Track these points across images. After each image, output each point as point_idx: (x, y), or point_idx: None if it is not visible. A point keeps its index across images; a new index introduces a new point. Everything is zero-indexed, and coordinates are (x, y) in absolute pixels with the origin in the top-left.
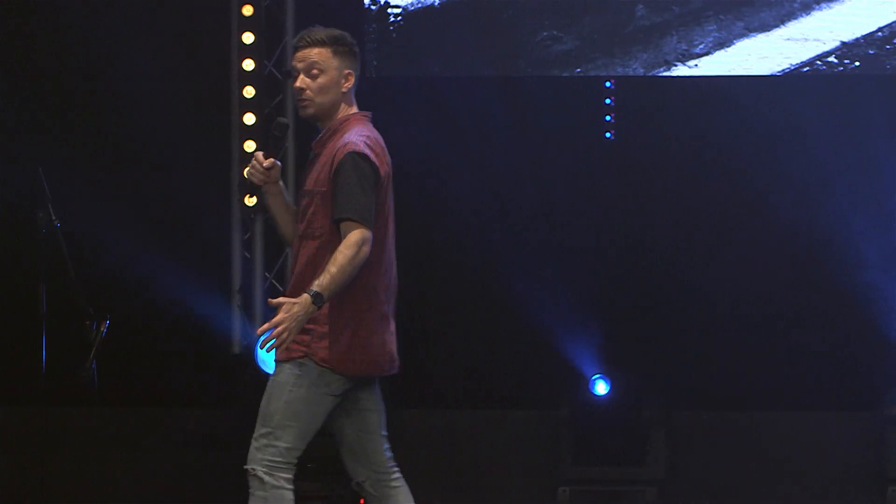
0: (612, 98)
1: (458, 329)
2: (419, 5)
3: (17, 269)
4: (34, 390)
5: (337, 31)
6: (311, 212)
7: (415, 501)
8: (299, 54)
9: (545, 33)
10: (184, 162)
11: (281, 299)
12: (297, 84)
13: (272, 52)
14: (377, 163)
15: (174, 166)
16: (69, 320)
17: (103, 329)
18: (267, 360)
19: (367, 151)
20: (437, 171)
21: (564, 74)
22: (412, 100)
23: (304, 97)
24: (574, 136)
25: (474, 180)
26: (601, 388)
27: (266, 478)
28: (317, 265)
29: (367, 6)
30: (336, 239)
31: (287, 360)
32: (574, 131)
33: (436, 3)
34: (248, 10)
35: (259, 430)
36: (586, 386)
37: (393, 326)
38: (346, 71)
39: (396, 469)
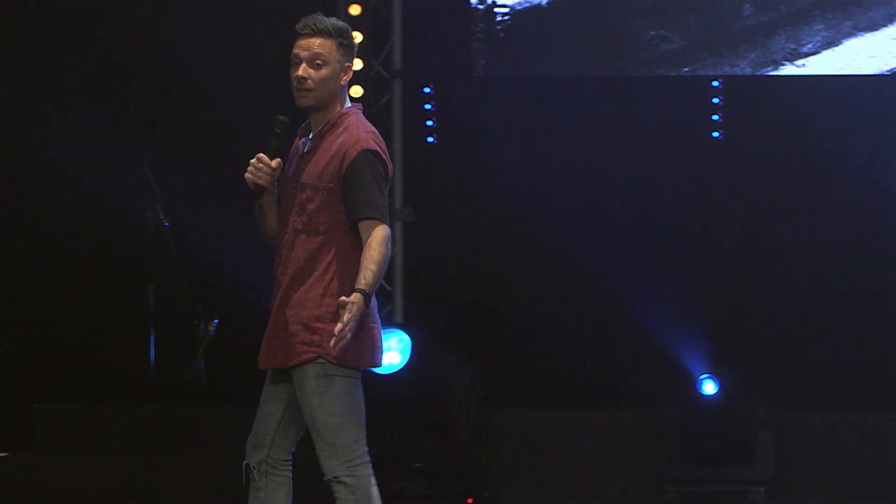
0: (720, 97)
1: (565, 328)
2: (526, 5)
3: (126, 268)
4: (143, 389)
5: (342, 23)
6: (312, 206)
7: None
8: (303, 42)
9: (652, 32)
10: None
11: (344, 299)
12: (300, 73)
13: (379, 51)
14: (386, 159)
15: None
16: (178, 319)
17: (211, 328)
18: None
19: (377, 148)
20: (542, 170)
21: (671, 74)
22: (518, 99)
23: (305, 87)
24: (680, 135)
25: (580, 180)
26: (709, 387)
27: (349, 480)
28: (319, 261)
29: (473, 6)
30: (341, 235)
31: (298, 365)
32: (680, 131)
33: (543, 3)
34: (355, 10)
35: (319, 441)
36: (694, 385)
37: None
38: (347, 64)
39: (289, 467)
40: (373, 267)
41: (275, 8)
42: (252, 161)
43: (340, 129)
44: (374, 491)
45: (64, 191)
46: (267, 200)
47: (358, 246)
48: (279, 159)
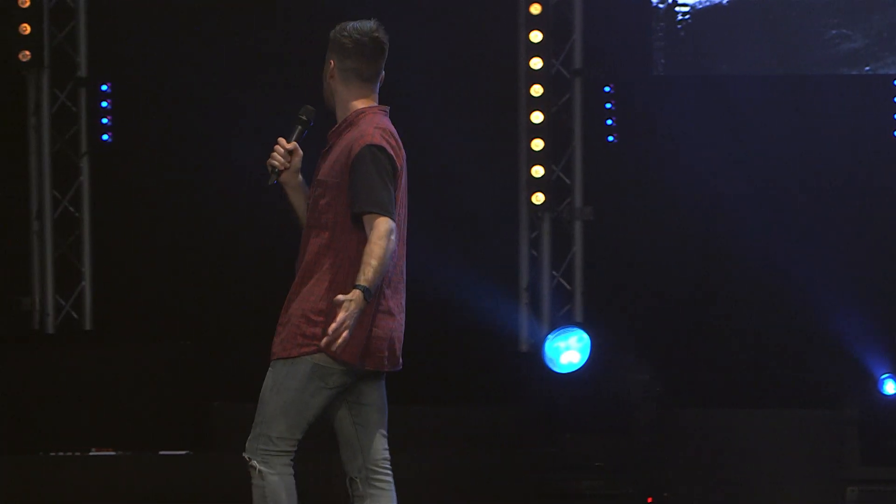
0: None
1: (745, 327)
2: (707, 4)
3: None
4: None
5: (340, 24)
6: (323, 202)
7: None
8: None
9: (833, 31)
10: (471, 160)
11: (340, 297)
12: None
13: (560, 50)
14: (393, 154)
15: (461, 165)
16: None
17: None
18: (554, 358)
19: (384, 143)
20: (722, 169)
21: (853, 73)
22: (699, 98)
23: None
24: (861, 134)
25: (760, 179)
26: (890, 387)
27: (261, 467)
28: (326, 255)
29: (654, 5)
30: (348, 230)
31: (297, 357)
32: (861, 130)
33: (723, 1)
34: (535, 9)
35: (255, 418)
36: (875, 385)
37: (399, 321)
38: (332, 62)
39: (389, 471)
40: (373, 262)
41: (459, 7)
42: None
43: (354, 127)
44: (286, 480)
45: (251, 188)
46: (291, 197)
47: (365, 241)
48: (296, 144)
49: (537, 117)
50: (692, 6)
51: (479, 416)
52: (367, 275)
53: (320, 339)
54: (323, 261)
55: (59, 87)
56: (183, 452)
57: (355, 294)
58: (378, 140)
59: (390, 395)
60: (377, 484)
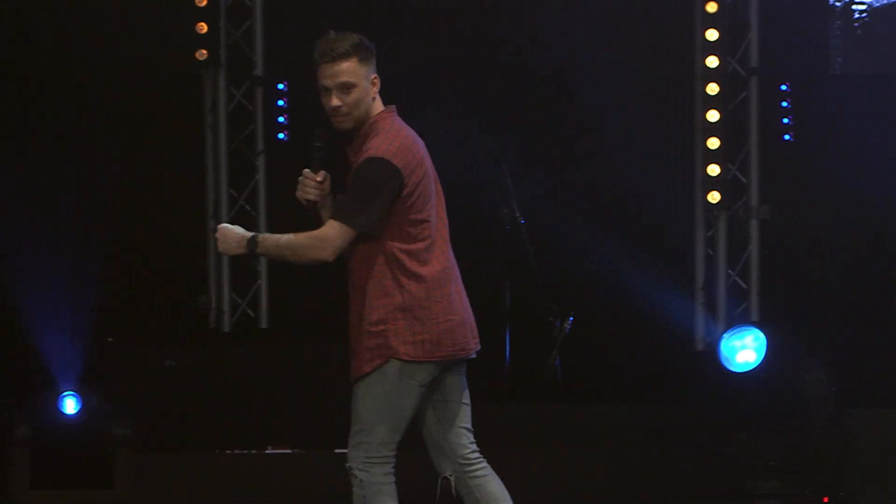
0: None
1: None
2: (884, 2)
3: (482, 265)
4: (498, 386)
5: (356, 37)
6: None
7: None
8: (327, 71)
9: None
10: (646, 159)
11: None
12: (333, 104)
13: (736, 48)
14: (400, 167)
15: (637, 163)
16: (533, 317)
17: (567, 326)
18: (730, 357)
19: (391, 156)
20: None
21: None
22: (876, 97)
23: (341, 114)
24: None
25: None
26: None
27: (362, 475)
28: (370, 267)
29: (831, 3)
30: (385, 238)
31: (372, 371)
32: None
33: None
34: (711, 7)
35: (352, 428)
36: None
37: (462, 306)
38: (373, 76)
39: (482, 461)
40: (282, 241)
41: (635, 7)
42: (300, 178)
43: (368, 140)
44: (387, 489)
45: None
46: (324, 215)
47: (405, 249)
48: (324, 172)
49: (713, 116)
50: (869, 4)
51: (655, 414)
52: (271, 240)
53: (387, 347)
54: (369, 273)
55: (235, 86)
56: None
57: (241, 235)
58: (381, 153)
59: (570, 394)
60: (476, 474)
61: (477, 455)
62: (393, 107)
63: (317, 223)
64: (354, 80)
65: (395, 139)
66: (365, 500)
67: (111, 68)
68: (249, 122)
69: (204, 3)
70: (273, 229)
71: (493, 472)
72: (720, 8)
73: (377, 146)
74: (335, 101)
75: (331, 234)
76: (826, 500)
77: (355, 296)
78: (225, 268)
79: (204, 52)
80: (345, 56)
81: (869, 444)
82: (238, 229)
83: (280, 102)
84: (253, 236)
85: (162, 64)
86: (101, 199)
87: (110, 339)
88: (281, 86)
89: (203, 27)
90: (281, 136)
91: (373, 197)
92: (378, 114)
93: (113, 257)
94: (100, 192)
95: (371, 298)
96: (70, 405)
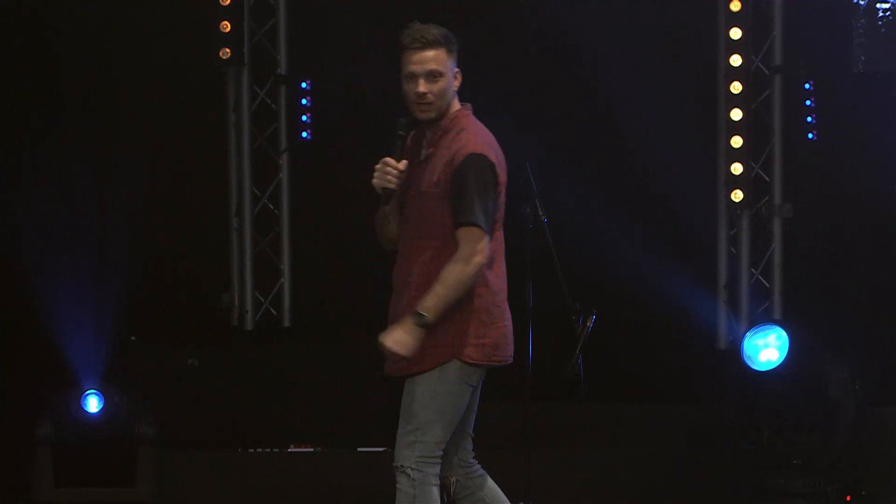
0: None
1: None
2: None
3: (506, 264)
4: (520, 385)
5: (444, 29)
6: (429, 213)
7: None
8: (415, 56)
9: None
10: (670, 157)
11: (388, 338)
12: (420, 89)
13: (759, 47)
14: (496, 164)
15: (660, 161)
16: (556, 315)
17: (589, 324)
18: (753, 356)
19: (489, 153)
20: None
21: None
22: None
23: (425, 101)
24: None
25: None
26: None
27: (415, 474)
28: (437, 264)
29: (855, 1)
30: (453, 241)
31: (434, 367)
32: None
33: None
34: (735, 6)
35: (403, 427)
36: None
37: (509, 313)
38: (456, 70)
39: (477, 462)
40: (441, 290)
41: (659, 5)
42: (378, 166)
43: (453, 133)
44: (436, 491)
45: None
46: (392, 206)
47: None
48: (406, 161)
49: (737, 114)
50: (893, 2)
51: (678, 413)
52: (429, 302)
53: (451, 346)
54: (435, 270)
55: (258, 85)
56: (381, 449)
57: (409, 327)
58: (481, 149)
59: (592, 393)
60: (474, 476)
61: (474, 459)
62: (469, 105)
63: (387, 210)
64: (442, 70)
65: (486, 136)
66: (415, 500)
67: (135, 67)
68: (273, 120)
69: (227, 1)
70: (296, 228)
71: (487, 474)
72: (743, 6)
73: (473, 141)
74: (422, 87)
75: (472, 247)
76: (848, 498)
77: (414, 292)
78: (248, 266)
79: (227, 50)
80: (434, 44)
81: (893, 443)
82: (397, 330)
83: (304, 101)
84: (417, 317)
85: (185, 62)
86: (124, 197)
87: (133, 338)
88: (304, 84)
89: (227, 25)
90: (304, 134)
91: (486, 193)
92: (458, 109)
93: (136, 255)
94: (123, 190)
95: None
96: (93, 403)
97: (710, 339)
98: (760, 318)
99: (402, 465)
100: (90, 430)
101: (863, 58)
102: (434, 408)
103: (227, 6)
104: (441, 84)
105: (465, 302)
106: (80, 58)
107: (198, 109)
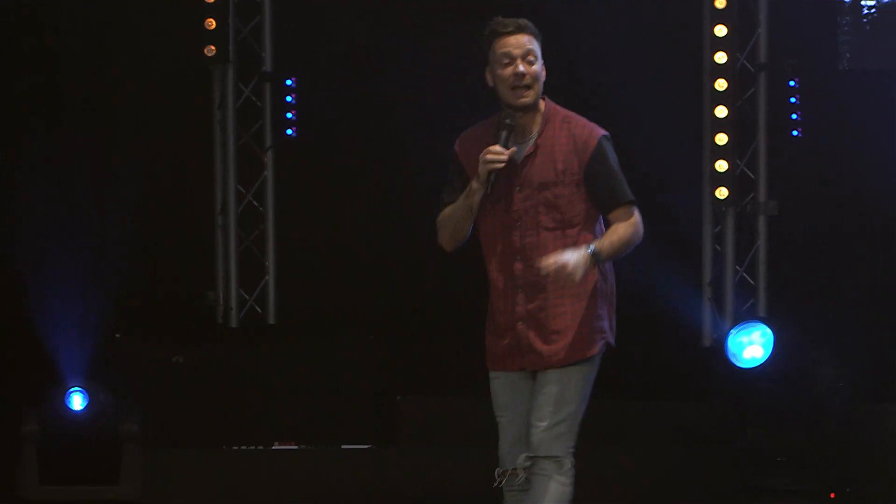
0: None
1: None
2: None
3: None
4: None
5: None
6: (564, 202)
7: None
8: (512, 40)
9: None
10: (655, 154)
11: (558, 258)
12: (520, 69)
13: (745, 44)
14: None
15: (645, 158)
16: None
17: None
18: (738, 353)
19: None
20: None
21: None
22: (885, 92)
23: (524, 83)
24: None
25: None
26: None
27: (567, 463)
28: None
29: None
30: (591, 224)
31: (595, 354)
32: None
33: None
34: (720, 3)
35: (554, 417)
36: None
37: None
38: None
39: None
40: (616, 239)
41: (644, 2)
42: (485, 154)
43: (559, 122)
44: None
45: (430, 183)
46: (480, 199)
47: (600, 231)
48: (514, 148)
49: (722, 112)
50: (878, 0)
51: (663, 410)
52: (605, 243)
53: (604, 332)
54: None
55: (244, 82)
56: (366, 447)
57: (584, 255)
58: (604, 131)
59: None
60: (536, 476)
61: None
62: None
63: (469, 210)
64: (537, 55)
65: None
66: (571, 492)
67: (120, 65)
68: (258, 118)
69: None
70: (281, 225)
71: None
72: (729, 4)
73: (590, 125)
74: (522, 67)
75: (637, 217)
76: (833, 495)
77: (555, 281)
78: (233, 264)
79: (213, 48)
80: (529, 30)
81: (878, 439)
82: (572, 253)
83: (289, 98)
84: (593, 251)
85: (171, 60)
86: (109, 194)
87: (118, 335)
88: (289, 82)
89: (212, 23)
90: (289, 132)
91: (621, 171)
92: (548, 101)
93: (121, 253)
94: (108, 187)
95: (588, 284)
96: (77, 401)
97: (695, 337)
98: (745, 316)
99: (556, 456)
100: (75, 428)
101: (848, 55)
102: (584, 396)
103: (212, 4)
104: (537, 67)
105: (608, 286)
106: (66, 56)
107: (183, 107)
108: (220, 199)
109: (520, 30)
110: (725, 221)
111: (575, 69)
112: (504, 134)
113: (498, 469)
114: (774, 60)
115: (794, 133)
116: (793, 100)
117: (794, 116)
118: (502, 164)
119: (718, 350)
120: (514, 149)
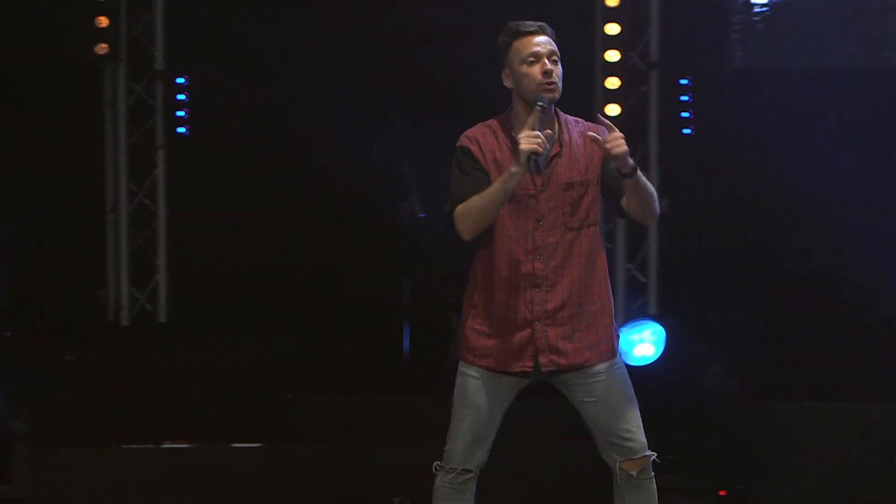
0: None
1: (819, 320)
2: None
3: (381, 260)
4: (396, 380)
5: None
6: (587, 202)
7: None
8: (536, 39)
9: None
10: None
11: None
12: (548, 67)
13: (636, 42)
14: None
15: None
16: (431, 311)
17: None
18: (628, 351)
19: None
20: (798, 161)
21: None
22: (776, 91)
23: (552, 80)
24: None
25: (836, 171)
26: None
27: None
28: (599, 250)
29: None
30: (600, 224)
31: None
32: None
33: None
34: (612, 2)
35: (635, 412)
36: None
37: None
38: None
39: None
40: (648, 185)
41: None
42: (524, 137)
43: (570, 125)
44: None
45: (322, 182)
46: (511, 188)
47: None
48: (549, 131)
49: (613, 110)
50: None
51: (550, 408)
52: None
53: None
54: (598, 255)
55: (135, 80)
56: (256, 445)
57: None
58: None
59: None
60: (646, 476)
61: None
62: None
63: (501, 196)
64: (559, 56)
65: None
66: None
67: (10, 61)
68: (149, 116)
69: None
70: (173, 224)
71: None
72: (621, 2)
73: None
74: (550, 65)
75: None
76: (723, 493)
77: (588, 277)
78: (124, 262)
79: (104, 46)
80: (549, 32)
81: (768, 437)
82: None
83: (180, 97)
84: (635, 166)
85: (62, 57)
86: None
87: (7, 334)
88: (181, 80)
89: (103, 21)
90: (181, 130)
91: None
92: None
93: (10, 250)
94: None
95: (605, 283)
96: None
97: None
98: (636, 314)
99: (651, 454)
100: None
101: (740, 53)
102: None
103: (103, 2)
104: (559, 68)
105: (610, 286)
106: None
107: (74, 105)
108: (111, 197)
109: (542, 30)
110: (616, 220)
111: (464, 67)
112: (538, 118)
113: (441, 464)
114: (666, 59)
115: (686, 131)
116: (684, 98)
117: (685, 115)
118: (542, 148)
119: None
120: (549, 131)
